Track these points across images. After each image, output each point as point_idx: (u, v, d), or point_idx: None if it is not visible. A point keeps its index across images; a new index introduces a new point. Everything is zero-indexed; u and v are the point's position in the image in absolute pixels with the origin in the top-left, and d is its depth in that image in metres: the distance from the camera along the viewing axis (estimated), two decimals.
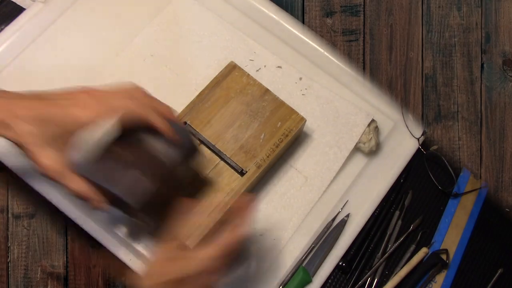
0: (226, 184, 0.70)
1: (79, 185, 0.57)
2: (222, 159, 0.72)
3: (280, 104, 0.74)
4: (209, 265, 0.56)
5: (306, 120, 0.74)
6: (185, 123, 0.73)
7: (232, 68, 0.76)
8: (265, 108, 0.74)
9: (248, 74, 0.76)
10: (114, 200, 0.58)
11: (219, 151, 0.72)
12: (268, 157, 0.72)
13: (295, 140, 0.78)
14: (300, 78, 0.81)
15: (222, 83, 0.75)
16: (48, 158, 0.56)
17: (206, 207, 0.69)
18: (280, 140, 0.73)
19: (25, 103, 0.56)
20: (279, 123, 0.73)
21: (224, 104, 0.74)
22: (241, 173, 0.71)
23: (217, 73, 0.77)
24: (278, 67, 0.82)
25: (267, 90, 0.75)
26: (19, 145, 0.56)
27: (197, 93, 0.77)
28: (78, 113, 0.56)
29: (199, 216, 0.68)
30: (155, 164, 0.58)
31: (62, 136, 0.56)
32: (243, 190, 0.70)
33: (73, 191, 0.57)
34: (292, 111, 0.74)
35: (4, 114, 0.55)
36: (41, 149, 0.55)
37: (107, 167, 0.57)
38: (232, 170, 0.71)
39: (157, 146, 0.59)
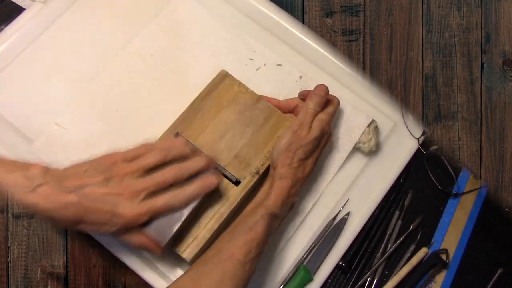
0: (222, 194, 0.70)
1: (137, 240, 0.64)
2: (216, 169, 0.71)
3: (273, 112, 0.74)
4: (325, 127, 0.71)
5: None
6: (177, 133, 0.72)
7: (223, 76, 0.75)
8: (258, 116, 0.74)
9: (240, 82, 0.75)
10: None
11: None
12: (262, 165, 0.72)
13: None
14: (300, 77, 0.81)
15: (214, 92, 0.74)
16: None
17: (202, 218, 0.69)
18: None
19: (68, 208, 0.60)
20: (273, 130, 0.73)
21: (217, 113, 0.73)
22: (236, 182, 0.71)
23: (216, 73, 0.77)
24: (278, 65, 0.82)
25: (259, 98, 0.75)
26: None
27: (197, 93, 0.77)
28: (121, 220, 0.62)
29: (195, 228, 0.68)
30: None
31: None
32: (238, 200, 0.70)
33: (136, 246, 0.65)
34: (285, 118, 0.74)
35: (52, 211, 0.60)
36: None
37: None
38: (227, 180, 0.71)
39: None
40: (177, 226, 0.64)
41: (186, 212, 0.65)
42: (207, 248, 0.69)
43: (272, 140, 0.72)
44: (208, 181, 0.65)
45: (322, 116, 0.72)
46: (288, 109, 0.75)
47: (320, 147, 0.72)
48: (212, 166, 0.67)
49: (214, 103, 0.74)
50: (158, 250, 0.65)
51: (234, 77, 0.75)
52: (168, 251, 0.73)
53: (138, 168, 0.63)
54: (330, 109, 0.74)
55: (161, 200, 0.63)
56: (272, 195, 0.67)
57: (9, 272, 0.84)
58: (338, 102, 0.76)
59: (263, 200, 0.67)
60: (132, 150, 0.65)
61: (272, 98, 0.76)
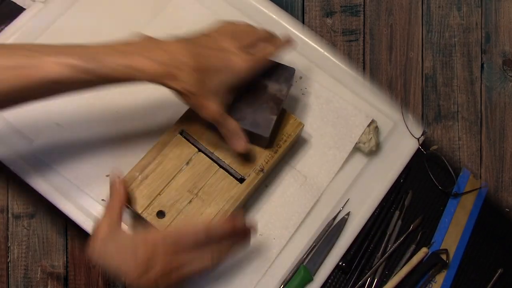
0: (226, 192, 0.70)
1: (234, 124, 0.67)
2: (221, 166, 0.71)
3: None
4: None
5: (304, 125, 0.74)
6: (182, 131, 0.72)
7: None
8: None
9: None
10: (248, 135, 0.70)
11: (218, 158, 0.71)
12: (267, 163, 0.72)
13: (294, 144, 0.78)
14: (300, 77, 0.81)
15: None
16: (214, 105, 0.64)
17: (206, 215, 0.69)
18: (278, 146, 0.72)
19: (185, 52, 0.61)
20: (277, 128, 0.73)
21: None
22: (241, 180, 0.71)
23: None
24: None
25: None
26: (183, 93, 0.62)
27: None
28: (237, 67, 0.64)
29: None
30: (274, 100, 0.71)
31: (222, 85, 0.64)
32: (242, 197, 0.70)
33: (230, 129, 0.66)
34: (289, 116, 0.74)
35: (170, 65, 0.60)
36: (207, 98, 0.63)
37: (239, 111, 0.70)
38: (232, 178, 0.71)
39: (272, 86, 0.72)
40: (274, 119, 0.70)
41: (276, 107, 0.70)
42: None
43: (276, 138, 0.73)
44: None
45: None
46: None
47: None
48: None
49: None
50: (244, 145, 0.68)
51: None
52: None
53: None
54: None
55: (259, 52, 0.68)
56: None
57: (9, 272, 0.84)
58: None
59: None
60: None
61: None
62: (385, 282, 0.77)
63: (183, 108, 0.75)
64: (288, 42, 0.73)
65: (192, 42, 0.63)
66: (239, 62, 0.64)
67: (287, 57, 0.82)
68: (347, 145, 0.79)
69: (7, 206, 0.86)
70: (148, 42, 0.61)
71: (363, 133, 0.78)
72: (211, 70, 0.62)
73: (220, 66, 0.63)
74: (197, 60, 0.61)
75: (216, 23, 0.69)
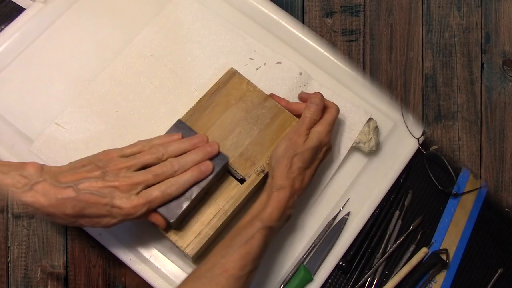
0: (226, 192, 0.70)
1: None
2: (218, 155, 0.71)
3: (280, 111, 0.74)
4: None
5: None
6: (180, 120, 0.72)
7: (232, 74, 0.76)
8: (265, 115, 0.74)
9: (248, 81, 0.75)
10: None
11: None
12: (268, 164, 0.72)
13: None
14: (300, 73, 0.81)
15: (222, 89, 0.74)
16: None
17: (206, 215, 0.69)
18: None
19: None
20: (279, 130, 0.73)
21: (224, 111, 0.73)
22: (241, 180, 0.71)
23: (217, 73, 0.77)
24: (278, 62, 0.82)
25: (267, 97, 0.75)
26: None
27: (197, 93, 0.77)
28: (122, 211, 0.63)
29: (199, 224, 0.68)
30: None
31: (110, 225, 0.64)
32: (243, 198, 0.70)
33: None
34: (292, 118, 0.74)
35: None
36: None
37: None
38: (232, 178, 0.71)
39: None
40: (185, 204, 0.65)
41: (195, 192, 0.66)
42: (210, 245, 0.70)
43: (278, 139, 0.72)
44: (203, 167, 0.66)
45: (320, 127, 0.71)
46: (297, 112, 0.74)
47: (318, 159, 0.71)
48: (211, 155, 0.68)
49: (222, 101, 0.74)
50: (164, 224, 0.66)
51: (242, 75, 0.75)
52: (170, 249, 0.73)
53: (136, 163, 0.64)
54: (327, 118, 0.72)
55: (156, 191, 0.63)
56: (269, 207, 0.65)
57: (9, 272, 0.84)
58: (337, 110, 0.74)
59: (260, 212, 0.65)
60: (129, 147, 0.66)
61: (283, 98, 0.76)
62: (385, 282, 0.77)
63: (182, 107, 0.75)
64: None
65: (77, 186, 0.61)
66: (123, 206, 0.61)
67: (287, 56, 0.82)
68: (346, 141, 0.79)
69: (7, 206, 0.86)
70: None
71: (363, 133, 0.78)
72: (93, 216, 0.62)
73: (103, 212, 0.61)
74: (78, 209, 0.61)
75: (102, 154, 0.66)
